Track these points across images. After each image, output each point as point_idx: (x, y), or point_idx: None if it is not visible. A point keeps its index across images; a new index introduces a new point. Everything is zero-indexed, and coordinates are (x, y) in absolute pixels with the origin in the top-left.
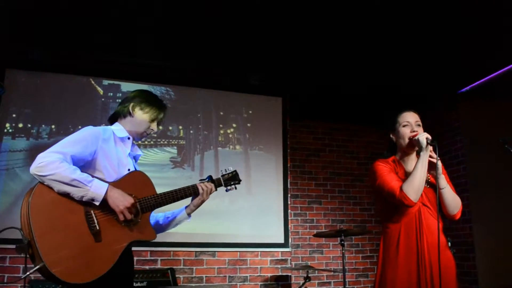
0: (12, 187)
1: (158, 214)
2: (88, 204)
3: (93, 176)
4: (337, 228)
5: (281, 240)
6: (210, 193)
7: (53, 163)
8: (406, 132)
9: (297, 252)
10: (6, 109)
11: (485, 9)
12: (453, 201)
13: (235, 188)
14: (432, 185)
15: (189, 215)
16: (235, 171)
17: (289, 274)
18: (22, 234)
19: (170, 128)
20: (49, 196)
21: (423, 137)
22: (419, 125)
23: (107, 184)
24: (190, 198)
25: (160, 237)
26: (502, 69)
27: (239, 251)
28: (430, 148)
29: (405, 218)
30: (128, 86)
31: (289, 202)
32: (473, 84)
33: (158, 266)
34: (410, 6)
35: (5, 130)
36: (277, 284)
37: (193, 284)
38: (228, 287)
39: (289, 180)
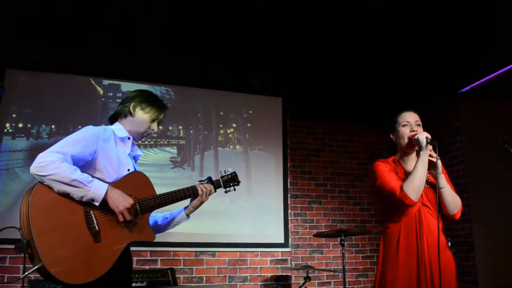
0: (12, 187)
1: (157, 215)
2: (87, 204)
3: (93, 176)
4: (337, 228)
5: (281, 240)
6: (209, 195)
7: (53, 163)
8: (405, 132)
9: (297, 252)
10: (6, 109)
11: (485, 9)
12: (453, 201)
13: (234, 189)
14: (432, 185)
15: (188, 216)
16: (234, 172)
17: (289, 274)
18: (21, 233)
19: (170, 128)
20: (49, 196)
21: (423, 136)
22: (418, 125)
23: (107, 185)
24: (189, 199)
25: (160, 237)
26: (502, 69)
27: (239, 251)
28: (430, 147)
29: (405, 218)
30: (128, 86)
31: (289, 202)
32: (473, 84)
33: (158, 266)
34: (410, 6)
35: (5, 130)
36: (277, 284)
37: (193, 284)
38: (228, 287)
39: (289, 180)
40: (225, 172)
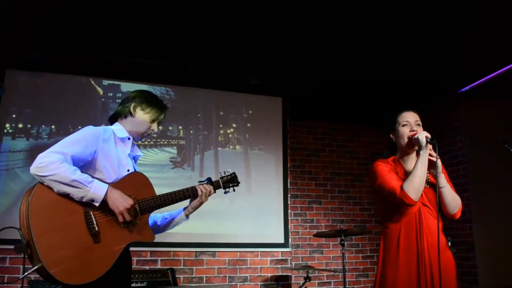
0: (12, 187)
1: (156, 215)
2: (87, 205)
3: (93, 177)
4: (337, 228)
5: (281, 240)
6: (209, 195)
7: (54, 164)
8: (405, 132)
9: (297, 252)
10: (6, 110)
11: (485, 9)
12: (453, 200)
13: (234, 190)
14: (432, 185)
15: (187, 216)
16: (234, 173)
17: (289, 274)
18: (21, 234)
19: (170, 128)
20: (48, 197)
21: (423, 135)
22: (418, 124)
23: (107, 185)
24: (188, 199)
25: (160, 237)
26: (502, 68)
27: (239, 251)
28: (430, 146)
29: (405, 218)
30: (128, 86)
31: (289, 202)
32: (473, 84)
33: (158, 266)
34: (410, 6)
35: (5, 131)
36: (277, 284)
37: (193, 284)
38: (228, 287)
39: (289, 180)
40: (225, 173)
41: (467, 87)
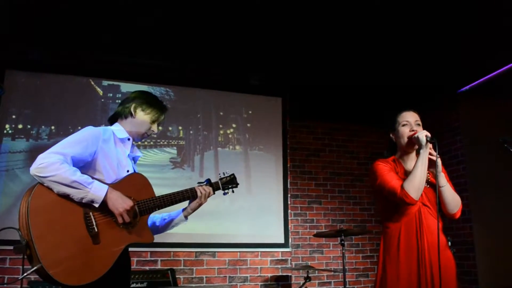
0: (12, 188)
1: (155, 216)
2: (87, 205)
3: (92, 177)
4: (337, 228)
5: (281, 240)
6: (208, 197)
7: (54, 165)
8: (405, 131)
9: (297, 252)
10: (5, 110)
11: (485, 9)
12: (453, 200)
13: (233, 191)
14: (431, 185)
15: (186, 217)
16: (233, 174)
17: (289, 274)
18: (20, 234)
19: (170, 128)
20: (48, 197)
21: (423, 134)
22: (418, 124)
23: (107, 186)
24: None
25: (160, 238)
26: (502, 68)
27: (239, 251)
28: (430, 145)
29: (405, 218)
30: (127, 87)
31: (289, 202)
32: (473, 84)
33: (158, 266)
34: (410, 6)
35: (5, 131)
36: (277, 284)
37: (193, 285)
38: (229, 287)
39: (289, 180)
40: (224, 174)
41: (467, 87)
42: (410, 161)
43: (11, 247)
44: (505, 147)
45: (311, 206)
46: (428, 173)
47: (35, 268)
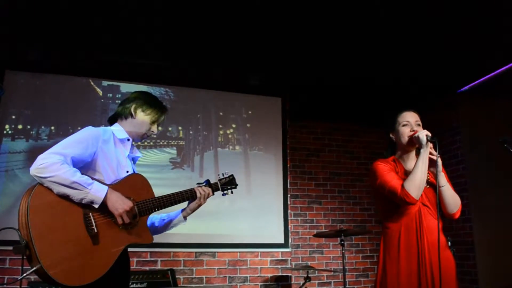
0: (12, 188)
1: (153, 216)
2: (87, 206)
3: (92, 178)
4: (337, 228)
5: (281, 241)
6: (207, 198)
7: (54, 165)
8: (406, 131)
9: (297, 252)
10: (5, 111)
11: (485, 9)
12: (452, 200)
13: (232, 192)
14: (431, 185)
15: (185, 218)
16: (232, 175)
17: (289, 274)
18: (20, 235)
19: (170, 128)
20: (48, 198)
21: (423, 134)
22: (419, 124)
23: (106, 187)
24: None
25: (160, 238)
26: (502, 68)
27: (239, 252)
28: (430, 145)
29: (405, 218)
30: (127, 87)
31: (289, 202)
32: (473, 84)
33: (158, 267)
34: (410, 6)
35: (5, 132)
36: (277, 284)
37: (193, 285)
38: (229, 287)
39: (289, 180)
40: (223, 175)
41: (467, 87)
42: (410, 161)
43: (11, 248)
44: (505, 147)
45: (311, 206)
46: (428, 173)
47: (34, 268)
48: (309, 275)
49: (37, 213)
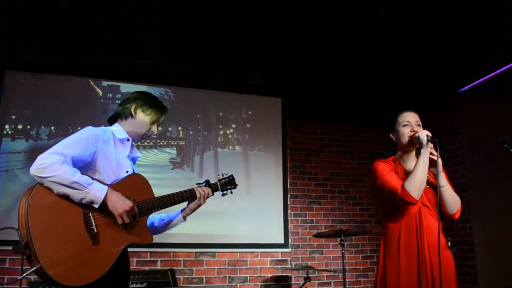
0: (12, 188)
1: (153, 216)
2: (87, 206)
3: (92, 178)
4: (337, 228)
5: (281, 241)
6: (207, 198)
7: (54, 165)
8: (406, 131)
9: (297, 253)
10: (5, 111)
11: (485, 9)
12: (452, 200)
13: (231, 192)
14: (431, 185)
15: (184, 218)
16: (232, 175)
17: (289, 274)
18: (20, 234)
19: (170, 129)
20: (48, 198)
21: (424, 134)
22: (419, 125)
23: (106, 187)
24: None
25: (160, 238)
26: (502, 68)
27: (239, 252)
28: (431, 145)
29: (405, 218)
30: (127, 87)
31: (289, 203)
32: (473, 84)
33: (158, 267)
34: (410, 6)
35: (5, 132)
36: (277, 284)
37: (193, 285)
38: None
39: (288, 180)
40: (223, 175)
41: (467, 87)
42: (410, 161)
43: (11, 248)
44: (505, 147)
45: (311, 207)
46: (428, 173)
47: (34, 268)
48: (309, 275)
49: (37, 213)
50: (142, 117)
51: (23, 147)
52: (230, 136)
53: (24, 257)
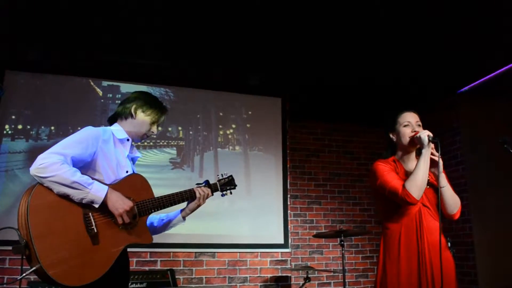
0: (12, 188)
1: (152, 216)
2: (87, 206)
3: (92, 178)
4: (337, 228)
5: (281, 241)
6: (207, 198)
7: (54, 165)
8: (407, 132)
9: (297, 253)
10: (5, 111)
11: (485, 9)
12: (452, 200)
13: (231, 193)
14: (432, 185)
15: (184, 218)
16: (231, 176)
17: (289, 274)
18: (19, 234)
19: (170, 129)
20: (48, 198)
21: (425, 134)
22: (419, 125)
23: (106, 187)
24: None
25: (160, 238)
26: (502, 68)
27: (239, 252)
28: (432, 145)
29: (406, 219)
30: (127, 87)
31: (288, 203)
32: (473, 84)
33: (158, 267)
34: (410, 6)
35: (5, 132)
36: (277, 285)
37: (193, 285)
38: None
39: (288, 180)
40: (222, 176)
41: (467, 87)
42: (410, 162)
43: (10, 247)
44: (505, 148)
45: (311, 207)
46: (428, 173)
47: (34, 268)
48: (309, 276)
49: (37, 213)
50: (142, 117)
51: (23, 147)
52: (230, 136)
53: (24, 257)
